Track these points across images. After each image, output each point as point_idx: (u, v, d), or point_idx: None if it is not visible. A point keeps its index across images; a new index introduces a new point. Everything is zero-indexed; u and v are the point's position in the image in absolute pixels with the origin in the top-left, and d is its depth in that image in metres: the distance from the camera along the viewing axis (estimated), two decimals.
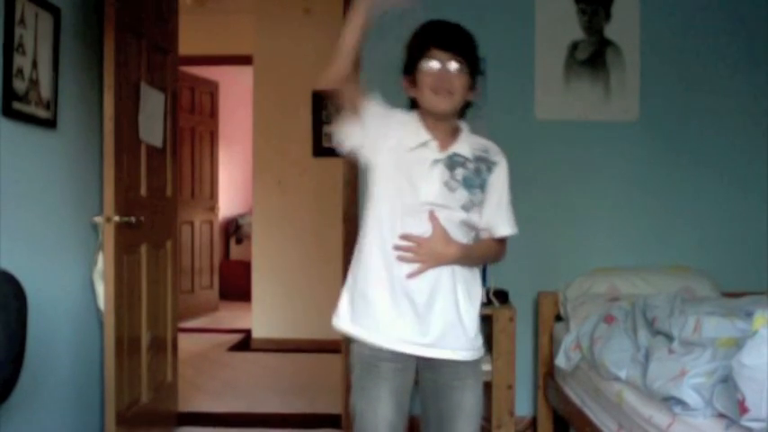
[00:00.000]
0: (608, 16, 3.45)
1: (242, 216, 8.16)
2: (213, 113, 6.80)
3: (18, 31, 2.34)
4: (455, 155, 1.78)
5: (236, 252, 8.07)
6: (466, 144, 1.81)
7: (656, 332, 2.39)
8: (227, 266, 7.59)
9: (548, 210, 3.45)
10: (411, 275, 1.74)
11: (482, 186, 1.79)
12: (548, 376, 3.26)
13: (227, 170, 7.69)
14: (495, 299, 3.18)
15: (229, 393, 4.13)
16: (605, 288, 3.18)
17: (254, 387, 4.28)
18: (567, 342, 2.89)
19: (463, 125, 1.85)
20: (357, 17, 1.80)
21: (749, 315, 2.02)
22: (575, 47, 3.46)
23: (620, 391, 2.33)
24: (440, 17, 3.62)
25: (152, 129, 3.08)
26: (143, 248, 3.02)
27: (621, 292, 3.14)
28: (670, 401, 1.97)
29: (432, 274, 1.75)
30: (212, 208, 6.84)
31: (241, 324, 5.99)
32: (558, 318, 3.29)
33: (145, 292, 3.03)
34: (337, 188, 3.59)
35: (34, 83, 2.46)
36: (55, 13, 2.58)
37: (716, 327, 2.10)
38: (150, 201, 3.09)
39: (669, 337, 2.26)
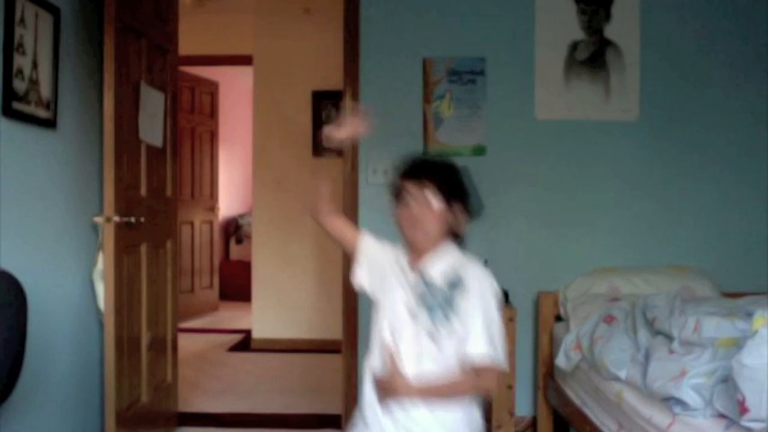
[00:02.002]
0: (608, 16, 3.45)
1: (242, 216, 8.16)
2: (213, 113, 6.80)
3: (18, 31, 2.34)
4: (424, 277, 1.75)
5: (236, 252, 8.07)
6: (438, 262, 1.75)
7: (656, 332, 2.39)
8: (227, 266, 7.59)
9: (548, 210, 3.46)
10: (381, 402, 1.74)
11: (447, 312, 1.70)
12: (548, 376, 3.26)
13: (227, 170, 7.69)
14: None
15: (229, 393, 4.13)
16: (605, 288, 3.18)
17: (254, 387, 4.28)
18: (567, 342, 2.89)
19: (446, 253, 1.78)
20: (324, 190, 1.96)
21: (749, 315, 2.02)
22: (575, 47, 3.46)
23: (620, 391, 2.33)
24: (440, 17, 3.66)
25: (152, 129, 3.08)
26: (143, 248, 3.02)
27: (621, 292, 3.14)
28: (670, 401, 1.97)
29: (402, 413, 1.71)
30: (212, 208, 6.84)
31: (241, 324, 5.99)
32: (558, 318, 3.29)
33: (145, 292, 3.03)
34: (337, 188, 3.58)
35: (34, 83, 2.46)
36: (55, 13, 2.58)
37: (716, 327, 2.10)
38: (150, 201, 3.09)
39: (669, 338, 2.26)
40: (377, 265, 1.85)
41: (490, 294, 1.74)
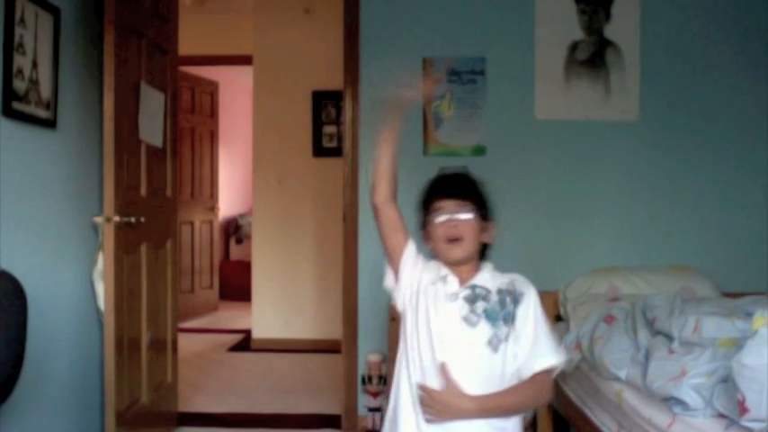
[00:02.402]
0: (608, 16, 3.45)
1: (242, 216, 8.16)
2: (213, 113, 6.80)
3: (18, 31, 2.34)
4: (475, 287, 1.73)
5: (236, 252, 8.07)
6: (488, 277, 1.76)
7: (656, 332, 2.39)
8: (227, 266, 7.59)
9: (548, 210, 3.46)
10: (429, 421, 1.68)
11: (507, 319, 1.69)
12: None
13: (227, 170, 7.69)
14: None
15: (229, 393, 4.13)
16: (605, 288, 3.18)
17: (254, 387, 4.28)
18: (567, 342, 2.88)
19: (486, 265, 1.81)
20: (387, 143, 1.82)
21: (749, 315, 2.02)
22: (575, 47, 3.46)
23: (620, 391, 2.33)
24: (440, 17, 3.67)
25: (152, 129, 3.08)
26: (143, 248, 3.02)
27: (621, 292, 3.14)
28: (670, 401, 1.97)
29: (454, 423, 1.66)
30: (212, 208, 6.84)
31: (241, 324, 5.99)
32: (558, 318, 3.29)
33: (145, 292, 3.03)
34: (337, 188, 3.59)
35: (34, 83, 2.46)
36: (55, 13, 2.58)
37: (716, 327, 2.10)
38: (150, 201, 3.09)
39: (669, 337, 2.26)
40: (415, 276, 1.79)
41: (541, 304, 1.77)
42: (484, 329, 1.67)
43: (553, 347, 1.71)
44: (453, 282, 1.74)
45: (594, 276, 3.24)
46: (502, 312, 1.70)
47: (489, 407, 1.65)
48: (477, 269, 1.77)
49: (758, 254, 3.40)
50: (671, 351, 2.18)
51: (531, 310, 1.71)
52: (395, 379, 1.78)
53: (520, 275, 1.81)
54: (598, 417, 2.54)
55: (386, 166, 1.80)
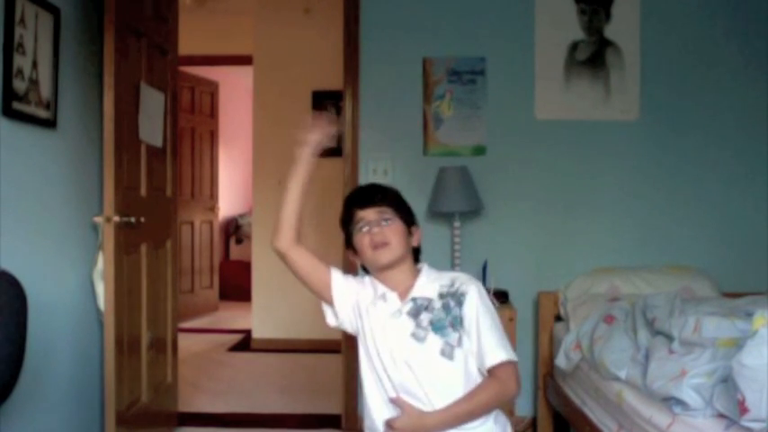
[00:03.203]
0: (608, 16, 3.45)
1: (242, 216, 8.16)
2: (213, 113, 6.81)
3: (18, 31, 2.34)
4: (416, 299, 1.71)
5: (236, 252, 8.07)
6: (427, 284, 1.74)
7: (656, 332, 2.39)
8: (227, 266, 7.59)
9: (548, 209, 3.46)
10: None
11: (455, 323, 1.67)
12: (548, 376, 3.26)
13: (227, 170, 7.69)
14: (496, 299, 3.18)
15: (229, 393, 4.13)
16: (605, 288, 3.18)
17: (254, 387, 4.28)
18: (567, 342, 2.89)
19: (423, 267, 1.79)
20: (296, 182, 1.79)
21: (749, 315, 2.01)
22: (575, 47, 3.46)
23: (620, 391, 2.33)
24: (440, 17, 3.67)
25: (152, 129, 3.08)
26: (143, 248, 3.02)
27: (621, 292, 3.14)
28: (670, 401, 1.97)
29: None
30: (212, 208, 6.84)
31: (241, 324, 5.99)
32: (558, 318, 3.29)
33: (145, 292, 3.03)
34: (337, 188, 3.59)
35: (34, 83, 2.46)
36: (55, 13, 2.58)
37: (716, 327, 2.10)
38: (150, 201, 3.09)
39: (669, 338, 2.26)
40: (351, 301, 1.77)
41: (486, 297, 1.74)
42: (434, 341, 1.66)
43: (498, 342, 1.67)
44: (393, 298, 1.72)
45: (594, 276, 3.24)
46: (448, 318, 1.68)
47: (454, 415, 1.64)
48: (413, 276, 1.76)
49: (758, 254, 3.40)
50: (671, 351, 2.18)
51: (474, 308, 1.69)
52: (365, 397, 1.75)
53: (461, 273, 1.80)
54: (598, 417, 2.54)
55: (292, 209, 1.78)
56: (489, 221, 3.45)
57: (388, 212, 1.76)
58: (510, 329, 3.09)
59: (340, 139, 4.99)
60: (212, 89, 6.71)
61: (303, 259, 1.78)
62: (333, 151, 5.71)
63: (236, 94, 7.57)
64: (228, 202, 7.85)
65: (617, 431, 2.35)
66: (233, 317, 6.51)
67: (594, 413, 2.58)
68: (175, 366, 3.45)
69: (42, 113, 2.52)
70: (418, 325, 1.68)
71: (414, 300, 1.71)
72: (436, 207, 3.29)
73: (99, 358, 2.91)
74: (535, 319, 3.41)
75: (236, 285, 7.09)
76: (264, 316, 5.42)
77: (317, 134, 1.76)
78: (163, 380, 3.29)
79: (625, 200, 3.46)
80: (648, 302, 2.57)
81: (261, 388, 4.26)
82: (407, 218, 1.80)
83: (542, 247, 3.45)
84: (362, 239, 1.76)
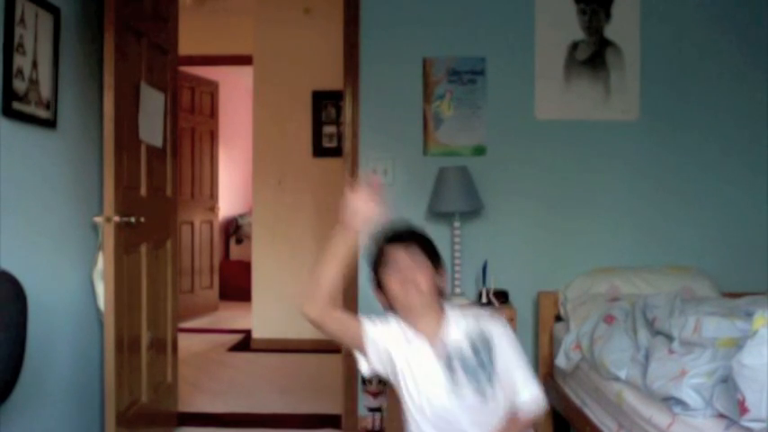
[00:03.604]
0: (608, 16, 3.45)
1: (242, 216, 8.16)
2: (213, 113, 6.80)
3: (18, 31, 2.34)
4: (447, 347, 1.76)
5: (236, 252, 8.07)
6: (454, 327, 1.78)
7: (656, 332, 2.39)
8: (227, 266, 7.59)
9: (548, 209, 3.46)
10: None
11: (485, 365, 1.75)
12: (548, 376, 3.26)
13: (227, 170, 7.69)
14: (495, 299, 3.18)
15: (229, 393, 4.13)
16: (605, 288, 3.18)
17: (254, 387, 4.28)
18: (567, 342, 2.89)
19: (447, 307, 1.83)
20: (341, 244, 1.71)
21: (749, 315, 2.02)
22: (575, 47, 3.46)
23: (620, 391, 2.33)
24: (440, 17, 3.66)
25: (152, 129, 3.08)
26: (143, 248, 3.02)
27: (621, 292, 3.14)
28: (670, 401, 1.97)
29: None
30: (212, 208, 6.84)
31: (241, 324, 5.99)
32: (558, 318, 3.29)
33: (145, 292, 3.03)
34: (337, 188, 3.59)
35: (34, 83, 2.46)
36: (55, 13, 2.58)
37: (716, 327, 2.10)
38: (150, 201, 3.09)
39: (669, 337, 2.26)
40: (382, 349, 1.79)
41: (510, 332, 1.81)
42: (467, 384, 1.72)
43: (527, 377, 1.78)
44: (423, 343, 1.76)
45: (594, 276, 3.25)
46: (476, 359, 1.73)
47: None
48: (439, 318, 1.79)
49: (758, 254, 3.40)
50: (671, 351, 2.18)
51: (501, 347, 1.77)
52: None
53: (482, 310, 1.87)
54: (598, 417, 2.54)
55: (330, 279, 1.72)
56: (489, 221, 3.45)
57: (418, 253, 1.79)
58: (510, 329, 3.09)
59: (340, 138, 5.02)
60: (212, 89, 6.71)
61: (336, 323, 1.76)
62: (333, 151, 5.73)
63: (236, 94, 7.57)
64: (228, 202, 7.85)
65: (617, 431, 2.35)
66: (233, 317, 6.51)
67: (594, 413, 2.58)
68: (175, 366, 3.45)
69: (42, 113, 2.52)
70: (450, 369, 1.73)
71: (444, 345, 1.76)
72: (436, 207, 3.29)
73: (99, 358, 2.91)
74: (535, 319, 3.41)
75: (236, 285, 7.09)
76: (264, 316, 5.42)
77: (363, 205, 1.67)
78: (163, 380, 3.29)
79: (625, 200, 3.46)
80: (648, 302, 2.57)
81: (261, 388, 4.26)
82: (435, 260, 1.83)
83: (542, 247, 3.45)
84: (392, 278, 1.78)
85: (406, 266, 1.76)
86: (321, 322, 1.70)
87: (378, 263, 1.82)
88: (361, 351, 1.80)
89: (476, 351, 1.75)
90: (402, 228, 1.87)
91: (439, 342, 1.75)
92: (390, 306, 1.82)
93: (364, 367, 1.83)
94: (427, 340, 1.76)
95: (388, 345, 1.78)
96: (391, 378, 1.81)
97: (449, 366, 1.73)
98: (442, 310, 1.82)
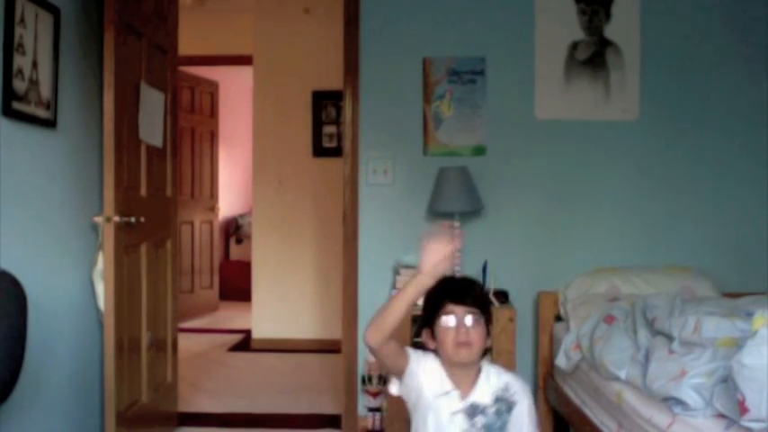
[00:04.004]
0: (608, 16, 3.45)
1: (242, 216, 8.15)
2: (213, 113, 6.80)
3: (18, 31, 2.34)
4: (474, 404, 1.81)
5: (236, 252, 8.07)
6: (486, 387, 1.84)
7: (656, 332, 2.39)
8: (227, 266, 7.59)
9: (548, 210, 3.46)
10: None
11: (502, 428, 1.81)
12: (548, 376, 3.26)
13: (227, 170, 7.69)
14: (495, 299, 3.18)
15: (229, 393, 4.13)
16: (605, 288, 3.18)
17: (254, 387, 4.28)
18: (567, 342, 2.89)
19: (484, 365, 1.88)
20: (411, 293, 1.72)
21: (749, 315, 2.02)
22: (575, 47, 3.46)
23: (620, 391, 2.33)
24: (440, 17, 3.66)
25: (152, 129, 3.08)
26: (143, 248, 3.02)
27: (621, 292, 3.14)
28: (670, 401, 1.97)
29: None
30: (212, 208, 6.84)
31: (241, 324, 5.99)
32: (558, 318, 3.29)
33: (145, 292, 3.03)
34: (337, 188, 3.59)
35: (34, 83, 2.46)
36: (55, 13, 2.58)
37: (716, 327, 2.10)
38: (150, 201, 3.09)
39: (669, 338, 2.26)
40: (417, 383, 1.84)
41: (533, 411, 1.87)
42: None
43: None
44: (455, 396, 1.81)
45: (594, 276, 3.25)
46: (498, 422, 1.81)
47: None
48: (476, 374, 1.85)
49: (758, 254, 3.40)
50: (671, 351, 2.18)
51: (521, 417, 1.83)
52: None
53: (517, 380, 1.89)
54: (598, 417, 2.54)
55: (396, 319, 1.73)
56: (489, 221, 3.45)
57: (477, 313, 1.82)
58: (510, 329, 3.10)
59: (340, 138, 5.03)
60: (212, 89, 6.71)
61: (389, 352, 1.81)
62: (333, 151, 5.73)
63: (236, 94, 7.57)
64: (228, 202, 7.85)
65: (617, 431, 2.35)
66: (233, 317, 6.51)
67: (594, 413, 2.58)
68: (175, 366, 3.45)
69: (42, 113, 2.52)
70: (473, 425, 1.79)
71: (472, 402, 1.81)
72: (436, 207, 3.29)
73: (99, 358, 2.91)
74: (535, 319, 3.41)
75: (236, 285, 7.08)
76: (264, 316, 5.42)
77: (436, 255, 1.68)
78: (163, 380, 3.29)
79: (625, 200, 3.46)
80: (648, 302, 2.57)
81: (261, 388, 4.25)
82: (489, 320, 1.86)
83: (542, 247, 3.45)
84: (447, 333, 1.81)
85: (464, 330, 1.80)
86: (378, 350, 1.77)
87: (436, 313, 1.84)
88: (398, 377, 1.86)
89: (499, 414, 1.81)
90: (466, 284, 1.89)
91: (468, 395, 1.82)
92: (435, 350, 1.86)
93: (394, 389, 1.89)
94: (459, 390, 1.82)
95: (423, 380, 1.84)
96: (411, 405, 1.87)
97: (471, 422, 1.80)
98: (479, 365, 1.87)
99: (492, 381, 1.84)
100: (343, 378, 3.49)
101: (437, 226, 1.92)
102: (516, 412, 1.82)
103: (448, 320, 1.80)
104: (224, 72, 6.78)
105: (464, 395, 1.81)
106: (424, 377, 1.83)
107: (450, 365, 1.82)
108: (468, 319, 1.79)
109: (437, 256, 1.67)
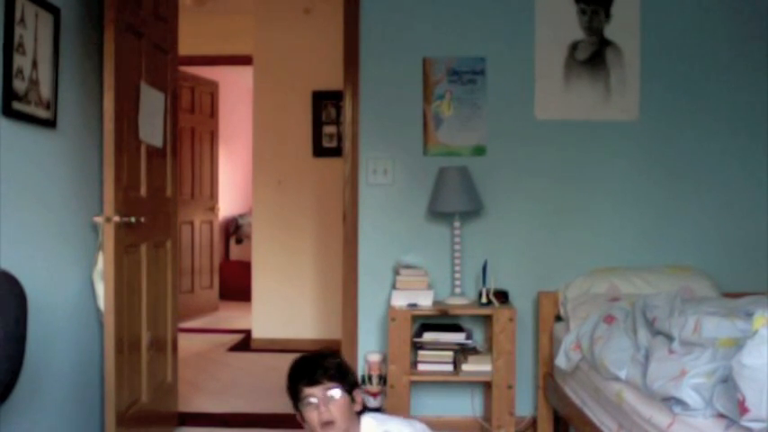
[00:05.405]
0: (608, 16, 3.45)
1: (242, 216, 8.16)
2: (213, 113, 6.80)
3: (18, 31, 2.34)
4: None
5: (236, 252, 8.07)
6: None
7: (656, 332, 2.39)
8: (227, 266, 7.59)
9: (548, 209, 3.46)
10: None
11: None
12: (548, 376, 3.26)
13: (227, 170, 7.69)
14: (495, 299, 3.19)
15: (229, 393, 4.13)
16: (605, 288, 3.18)
17: (254, 387, 4.28)
18: (567, 342, 2.89)
19: (364, 421, 1.94)
20: None
21: (749, 315, 2.02)
22: (575, 47, 3.46)
23: (620, 391, 2.33)
24: (440, 17, 3.66)
25: (152, 129, 3.08)
26: (143, 248, 3.02)
27: (621, 292, 3.14)
28: (670, 401, 1.97)
29: None
30: (212, 208, 6.84)
31: (241, 324, 5.99)
32: (558, 318, 3.29)
33: (145, 292, 3.03)
34: (337, 188, 3.59)
35: (34, 83, 2.46)
36: (55, 13, 2.58)
37: (716, 327, 2.10)
38: (150, 201, 3.09)
39: (669, 337, 2.26)
40: None
41: None
42: None
43: None
44: None
45: (594, 276, 3.25)
46: None
47: None
48: None
49: (758, 254, 3.40)
50: (671, 351, 2.18)
51: None
52: None
53: (402, 422, 1.97)
54: (598, 417, 2.54)
55: None
56: (489, 221, 3.45)
57: (333, 388, 1.89)
58: (510, 329, 3.10)
59: (340, 138, 5.03)
60: (212, 89, 6.71)
61: None
62: (333, 151, 5.72)
63: (236, 94, 7.57)
64: (228, 202, 7.85)
65: (617, 431, 2.35)
66: (233, 317, 6.51)
67: (594, 413, 2.58)
68: (175, 366, 3.45)
69: (42, 113, 2.52)
70: None
71: None
72: (436, 207, 3.29)
73: (99, 358, 2.91)
74: (535, 319, 3.41)
75: (236, 285, 7.09)
76: (264, 316, 5.42)
77: None
78: (163, 380, 3.29)
79: (625, 200, 3.46)
80: (648, 302, 2.57)
81: (261, 388, 4.25)
82: (350, 386, 1.93)
83: (542, 247, 3.45)
84: (310, 415, 1.90)
85: (326, 410, 1.87)
86: None
87: (296, 399, 1.94)
88: None
89: None
90: (315, 365, 1.94)
91: None
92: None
93: None
94: None
95: None
96: None
97: None
98: (358, 425, 1.94)
99: None
100: None
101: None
102: None
103: (308, 405, 1.89)
104: (224, 72, 6.79)
105: None
106: None
107: None
108: (325, 398, 1.87)
109: None
